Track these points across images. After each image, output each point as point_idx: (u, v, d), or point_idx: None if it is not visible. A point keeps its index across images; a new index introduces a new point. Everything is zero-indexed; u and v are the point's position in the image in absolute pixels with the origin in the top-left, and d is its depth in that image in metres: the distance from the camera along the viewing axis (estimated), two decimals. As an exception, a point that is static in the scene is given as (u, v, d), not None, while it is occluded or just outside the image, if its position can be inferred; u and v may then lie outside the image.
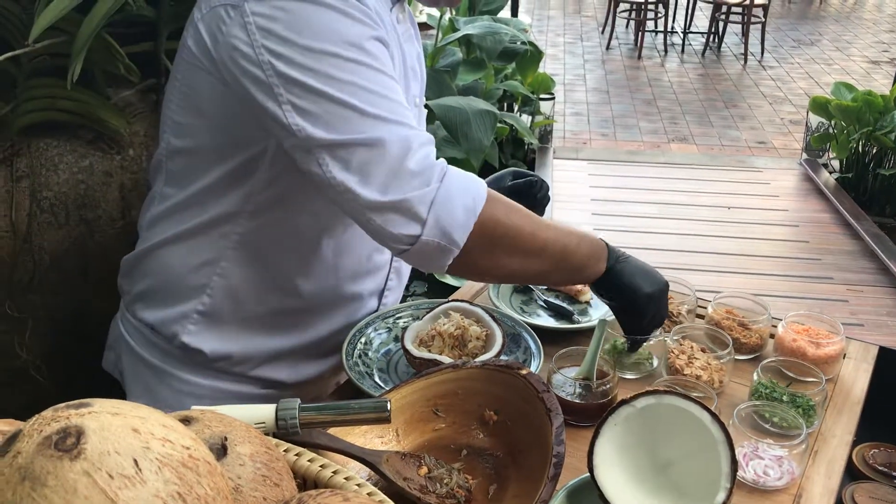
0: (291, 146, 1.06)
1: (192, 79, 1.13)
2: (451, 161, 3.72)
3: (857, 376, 1.34)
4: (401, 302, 1.46)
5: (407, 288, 3.70)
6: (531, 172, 1.44)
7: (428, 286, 3.33)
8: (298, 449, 0.74)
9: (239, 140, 1.13)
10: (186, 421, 0.65)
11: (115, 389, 1.41)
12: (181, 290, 1.26)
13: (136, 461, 0.49)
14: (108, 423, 0.50)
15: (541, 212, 1.40)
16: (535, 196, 1.42)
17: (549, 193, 1.46)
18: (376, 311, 1.39)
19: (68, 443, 0.49)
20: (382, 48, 1.06)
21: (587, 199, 4.91)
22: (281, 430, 0.84)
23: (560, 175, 5.26)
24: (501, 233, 1.09)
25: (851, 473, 1.23)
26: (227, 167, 1.16)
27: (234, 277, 1.23)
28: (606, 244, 1.22)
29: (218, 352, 1.27)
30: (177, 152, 1.21)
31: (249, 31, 1.03)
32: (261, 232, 1.20)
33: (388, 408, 0.88)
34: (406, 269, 1.44)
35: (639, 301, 1.22)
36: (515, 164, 5.23)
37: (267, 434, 0.82)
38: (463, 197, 1.05)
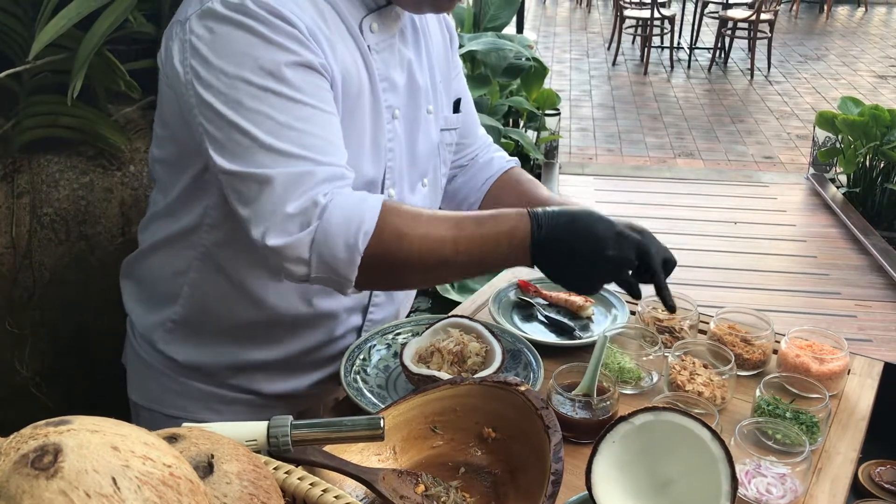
0: (210, 167, 1.06)
1: (160, 91, 1.16)
2: None
3: (861, 392, 1.32)
4: (405, 317, 1.45)
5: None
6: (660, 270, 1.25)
7: (432, 302, 3.32)
8: (288, 467, 0.73)
9: (192, 152, 1.13)
10: (173, 438, 0.64)
11: (116, 406, 1.40)
12: (159, 298, 1.27)
13: (114, 480, 0.49)
14: (87, 440, 0.50)
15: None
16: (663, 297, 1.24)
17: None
18: (360, 327, 1.34)
19: (45, 461, 0.48)
20: (307, 75, 1.03)
21: (593, 214, 4.90)
22: (273, 448, 0.83)
23: (566, 190, 5.26)
24: (391, 262, 1.04)
25: (857, 491, 1.21)
26: (187, 179, 1.17)
27: (202, 288, 1.23)
28: (532, 233, 1.07)
29: (190, 361, 1.28)
30: (156, 161, 1.23)
31: (184, 48, 1.04)
32: (222, 245, 1.20)
33: (382, 425, 0.87)
34: None
35: (571, 281, 1.11)
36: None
37: (259, 452, 0.81)
38: (344, 234, 1.00)
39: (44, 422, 0.52)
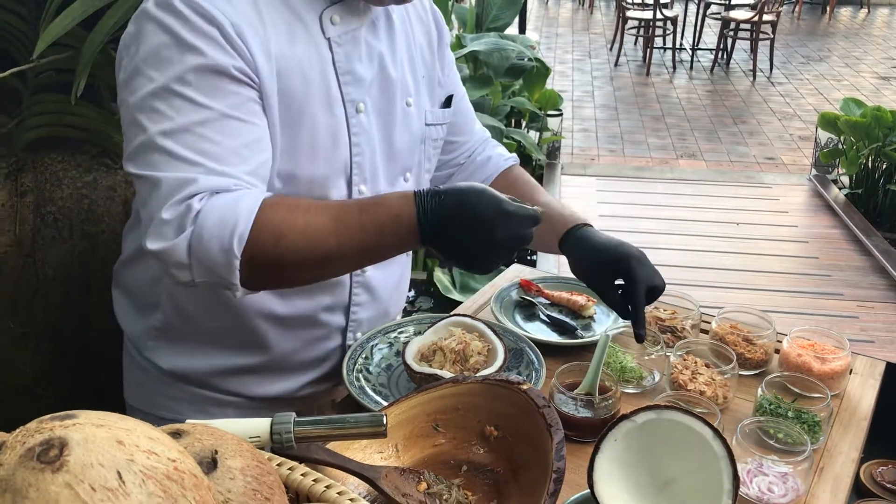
0: None
1: None
2: None
3: (863, 392, 1.32)
4: (404, 317, 1.45)
5: (412, 303, 3.70)
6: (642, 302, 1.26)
7: (434, 302, 3.32)
8: (291, 463, 0.73)
9: None
10: (177, 434, 0.65)
11: (117, 405, 1.41)
12: (142, 306, 1.27)
13: (119, 473, 0.49)
14: (93, 434, 0.50)
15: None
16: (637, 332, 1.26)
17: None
18: (345, 327, 1.31)
19: (51, 455, 0.48)
20: (216, 80, 1.01)
21: (595, 215, 4.90)
22: (276, 445, 0.84)
23: (568, 191, 5.26)
24: (273, 260, 1.02)
25: (859, 491, 1.21)
26: None
27: (179, 296, 1.22)
28: (418, 216, 1.03)
29: (176, 368, 1.27)
30: None
31: (121, 41, 1.06)
32: None
33: (384, 422, 0.87)
34: (378, 283, 1.33)
35: (465, 261, 1.08)
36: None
37: (262, 448, 0.81)
38: (219, 237, 0.98)
39: (49, 416, 0.52)
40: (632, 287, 1.24)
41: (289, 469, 0.72)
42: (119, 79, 1.06)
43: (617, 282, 1.28)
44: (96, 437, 0.50)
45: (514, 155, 1.51)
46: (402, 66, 1.25)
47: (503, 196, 1.05)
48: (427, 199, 1.04)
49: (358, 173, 1.19)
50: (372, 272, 1.30)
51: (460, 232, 1.03)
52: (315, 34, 1.12)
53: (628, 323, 1.46)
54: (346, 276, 1.28)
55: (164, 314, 1.25)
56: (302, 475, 0.71)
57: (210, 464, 0.63)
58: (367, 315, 1.33)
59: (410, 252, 1.42)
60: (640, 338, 1.24)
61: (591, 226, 1.35)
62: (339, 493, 0.68)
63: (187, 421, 0.72)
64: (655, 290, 1.26)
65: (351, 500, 0.68)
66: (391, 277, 1.36)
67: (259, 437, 0.83)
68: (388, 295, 1.37)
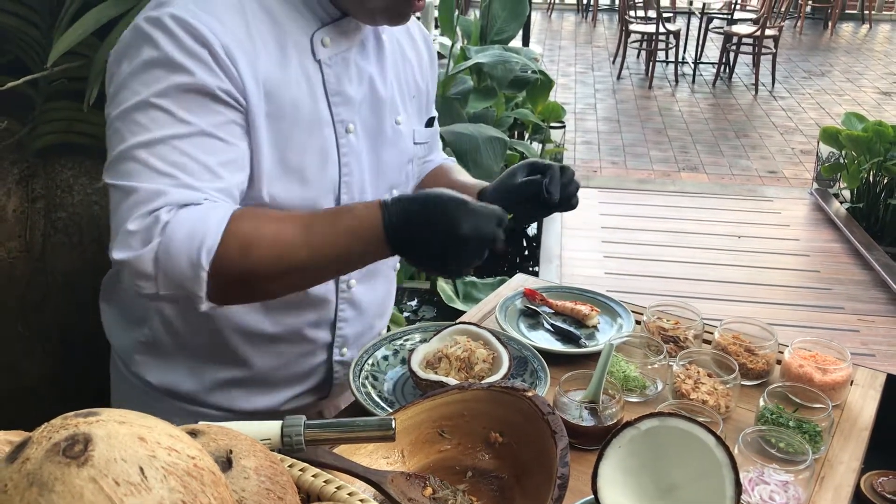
0: None
1: None
2: None
3: (864, 403, 1.33)
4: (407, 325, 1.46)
5: (416, 312, 3.71)
6: (549, 162, 1.23)
7: (437, 311, 3.34)
8: (302, 464, 0.74)
9: None
10: (193, 434, 0.66)
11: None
12: (130, 320, 1.27)
13: (141, 469, 0.50)
14: (116, 431, 0.51)
15: (568, 205, 1.23)
16: (551, 194, 1.20)
17: (573, 187, 1.24)
18: (331, 343, 1.30)
19: (76, 449, 0.50)
20: (200, 99, 1.01)
21: (597, 226, 4.92)
22: (286, 447, 0.85)
23: (570, 203, 5.27)
24: (242, 273, 1.01)
25: (859, 501, 1.22)
26: None
27: (166, 310, 1.21)
28: (383, 222, 1.03)
29: (164, 383, 1.27)
30: None
31: (112, 53, 1.06)
32: None
33: (393, 426, 0.89)
34: (363, 298, 1.32)
35: (434, 265, 1.07)
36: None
37: (273, 451, 0.83)
38: (187, 250, 0.97)
39: (73, 413, 0.54)
40: (547, 169, 1.20)
41: (300, 470, 0.73)
42: (109, 92, 1.06)
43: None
44: (119, 433, 0.52)
45: (453, 158, 1.53)
46: (391, 86, 1.25)
47: (466, 197, 1.04)
48: (391, 205, 1.04)
49: (346, 192, 1.18)
50: (358, 288, 1.30)
51: (425, 234, 1.03)
52: (305, 56, 1.12)
53: (632, 332, 1.48)
54: (332, 292, 1.27)
55: (152, 328, 1.24)
56: (313, 476, 0.72)
57: (225, 463, 0.64)
58: (353, 331, 1.32)
59: (397, 266, 1.43)
60: (551, 197, 1.18)
61: None
62: (349, 494, 0.70)
63: (200, 423, 0.74)
64: (567, 170, 1.22)
65: (361, 500, 0.69)
66: (377, 293, 1.36)
67: (270, 438, 0.84)
68: (374, 310, 1.37)
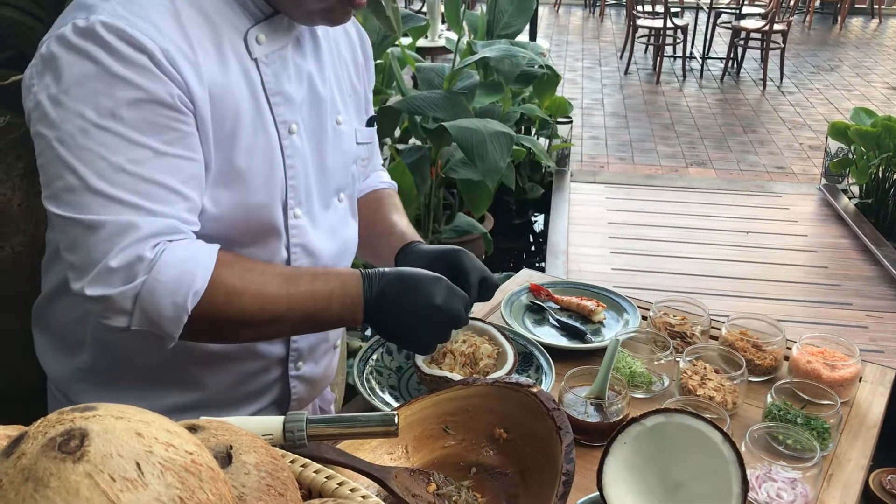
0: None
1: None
2: (468, 182, 3.83)
3: (873, 400, 1.32)
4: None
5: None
6: (476, 278, 1.23)
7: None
8: (304, 460, 0.74)
9: None
10: (193, 429, 0.66)
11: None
12: (67, 346, 1.20)
13: (138, 464, 0.50)
14: (112, 426, 0.51)
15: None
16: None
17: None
18: (286, 357, 1.23)
19: (72, 445, 0.49)
20: (150, 113, 0.96)
21: (604, 222, 4.90)
22: (288, 443, 0.84)
23: (577, 198, 5.26)
24: (221, 319, 1.01)
25: (868, 498, 1.21)
26: None
27: (104, 334, 1.13)
28: (363, 290, 1.08)
29: None
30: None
31: (31, 72, 0.99)
32: None
33: (396, 421, 0.88)
34: None
35: (400, 340, 1.15)
36: (531, 188, 5.23)
37: (274, 446, 0.82)
38: (173, 292, 0.95)
39: (70, 408, 0.53)
40: (464, 276, 1.21)
41: (301, 466, 0.73)
42: (27, 106, 0.99)
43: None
44: (116, 428, 0.51)
45: (393, 182, 1.49)
46: (330, 85, 1.21)
47: (441, 282, 1.10)
48: (373, 275, 1.09)
49: (293, 196, 1.14)
50: None
51: (403, 305, 1.08)
52: (242, 56, 1.07)
53: (638, 328, 1.47)
54: None
55: (91, 354, 1.17)
56: (315, 472, 0.72)
57: (225, 458, 0.63)
58: (308, 343, 1.25)
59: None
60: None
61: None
62: (351, 490, 0.69)
63: (201, 418, 0.73)
64: (487, 280, 1.23)
65: (363, 496, 0.69)
66: None
67: (272, 434, 0.83)
68: None
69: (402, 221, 1.39)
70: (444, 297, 1.09)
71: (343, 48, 1.28)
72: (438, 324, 1.10)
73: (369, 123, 1.34)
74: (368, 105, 1.36)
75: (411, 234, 1.35)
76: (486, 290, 1.23)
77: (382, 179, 1.48)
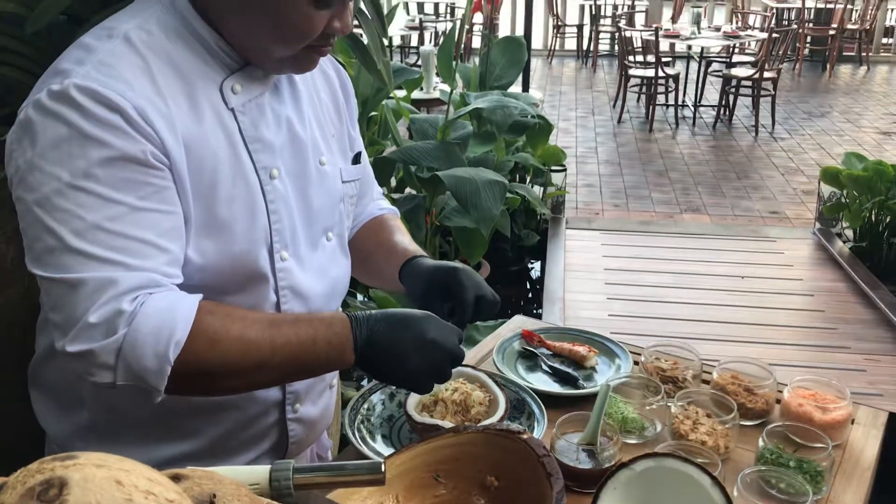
0: None
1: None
2: (463, 230, 3.86)
3: (866, 442, 1.31)
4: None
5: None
6: (472, 298, 1.24)
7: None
8: (289, 509, 0.74)
9: None
10: (176, 478, 0.66)
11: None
12: (66, 404, 1.20)
13: (117, 513, 0.50)
14: (92, 474, 0.51)
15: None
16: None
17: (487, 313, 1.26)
18: (283, 400, 1.22)
19: (50, 494, 0.49)
20: (124, 170, 0.97)
21: (600, 268, 4.91)
22: (275, 492, 0.84)
23: (573, 245, 5.28)
24: (205, 368, 1.00)
25: (864, 543, 1.20)
26: None
27: (103, 390, 1.11)
28: (352, 334, 1.07)
29: None
30: None
31: (11, 137, 1.00)
32: None
33: (383, 469, 0.88)
34: None
35: (397, 380, 1.13)
36: (527, 235, 5.26)
37: (262, 496, 0.82)
38: (154, 343, 0.95)
39: (50, 457, 0.54)
40: (460, 294, 1.22)
41: (287, 515, 0.72)
42: (8, 172, 1.00)
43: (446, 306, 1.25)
44: (95, 476, 0.51)
45: (394, 208, 1.50)
46: (311, 128, 1.22)
47: (431, 318, 1.10)
48: (361, 317, 1.08)
49: (278, 240, 1.14)
50: None
51: (395, 345, 1.07)
52: (218, 106, 1.08)
53: (630, 373, 1.47)
54: None
55: (91, 411, 1.17)
56: (299, 521, 0.71)
57: (208, 508, 0.63)
58: (304, 385, 1.24)
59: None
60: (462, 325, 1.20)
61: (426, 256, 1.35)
62: (336, 539, 0.69)
63: (186, 468, 0.73)
64: (484, 298, 1.24)
65: (348, 545, 0.68)
66: None
67: (258, 484, 0.83)
68: None
69: (404, 240, 1.40)
70: (436, 332, 1.09)
71: (321, 90, 1.29)
72: (434, 359, 1.09)
73: (355, 161, 1.34)
74: (353, 141, 1.36)
75: (413, 249, 1.36)
76: (484, 308, 1.23)
77: (382, 206, 1.49)
